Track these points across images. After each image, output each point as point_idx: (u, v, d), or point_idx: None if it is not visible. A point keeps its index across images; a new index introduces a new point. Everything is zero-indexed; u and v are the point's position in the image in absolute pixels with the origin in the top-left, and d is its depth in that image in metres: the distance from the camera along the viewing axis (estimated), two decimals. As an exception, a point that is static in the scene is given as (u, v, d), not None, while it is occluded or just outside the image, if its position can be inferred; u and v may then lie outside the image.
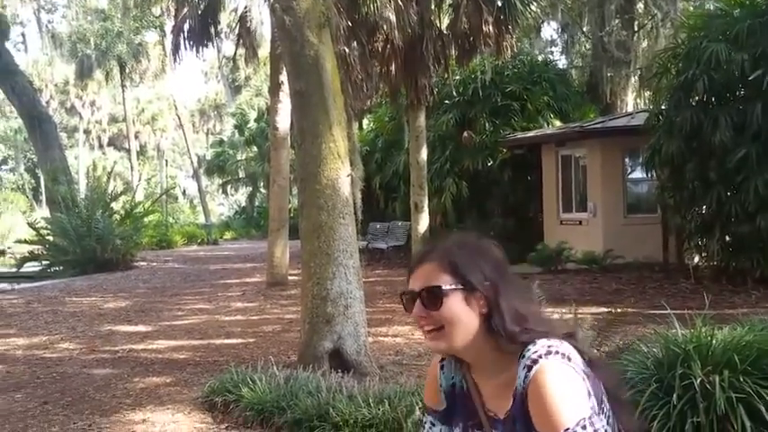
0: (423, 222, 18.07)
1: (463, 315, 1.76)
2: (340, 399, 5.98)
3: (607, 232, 16.30)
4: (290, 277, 16.06)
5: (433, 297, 1.77)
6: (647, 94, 27.20)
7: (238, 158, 40.37)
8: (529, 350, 1.72)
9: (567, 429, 1.64)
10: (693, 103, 13.21)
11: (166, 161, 64.66)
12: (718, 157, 12.41)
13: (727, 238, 13.04)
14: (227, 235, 37.55)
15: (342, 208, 8.01)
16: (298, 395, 6.24)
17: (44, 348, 10.55)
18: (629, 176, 17.37)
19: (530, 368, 1.70)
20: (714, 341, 5.02)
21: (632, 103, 25.31)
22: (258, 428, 6.24)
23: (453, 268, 1.79)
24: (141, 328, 11.96)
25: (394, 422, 5.50)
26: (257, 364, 7.35)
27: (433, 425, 2.02)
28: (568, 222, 17.76)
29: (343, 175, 8.06)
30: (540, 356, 1.70)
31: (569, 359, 1.71)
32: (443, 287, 1.77)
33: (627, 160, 17.35)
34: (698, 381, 4.65)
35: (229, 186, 43.54)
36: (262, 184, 39.43)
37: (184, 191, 62.60)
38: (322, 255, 7.97)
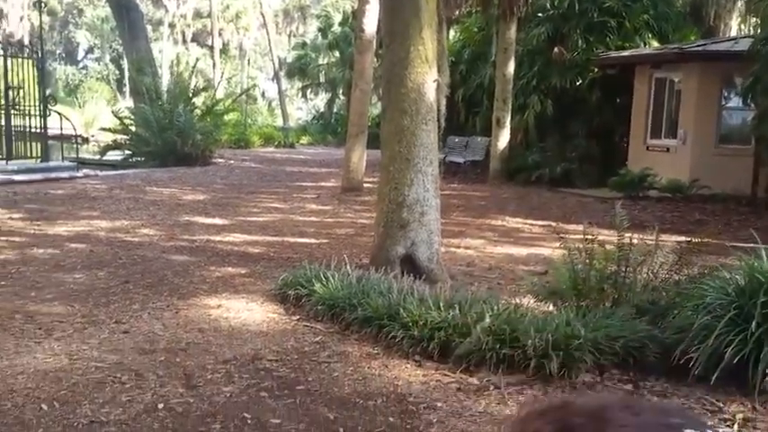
0: (503, 138, 17.87)
1: None
2: (411, 301, 6.05)
3: (695, 161, 15.82)
4: (365, 184, 16.14)
5: None
6: (754, 19, 26.02)
7: (320, 62, 40.18)
8: None
9: None
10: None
11: (248, 61, 64.85)
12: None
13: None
14: (304, 139, 37.73)
15: (425, 113, 7.93)
16: (369, 294, 6.33)
17: (125, 232, 10.90)
18: (725, 105, 16.73)
19: None
20: (799, 272, 4.92)
21: (736, 27, 24.19)
22: (329, 323, 6.37)
23: None
24: (218, 221, 12.23)
25: (463, 327, 5.54)
26: (330, 263, 7.47)
27: None
28: (655, 149, 17.28)
29: (429, 80, 7.95)
30: None
31: None
32: None
33: (724, 87, 16.67)
34: (779, 309, 4.58)
35: (309, 91, 43.47)
36: (341, 90, 39.27)
37: (263, 93, 62.82)
38: (402, 159, 7.95)
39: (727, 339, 4.53)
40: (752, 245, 5.69)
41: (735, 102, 16.45)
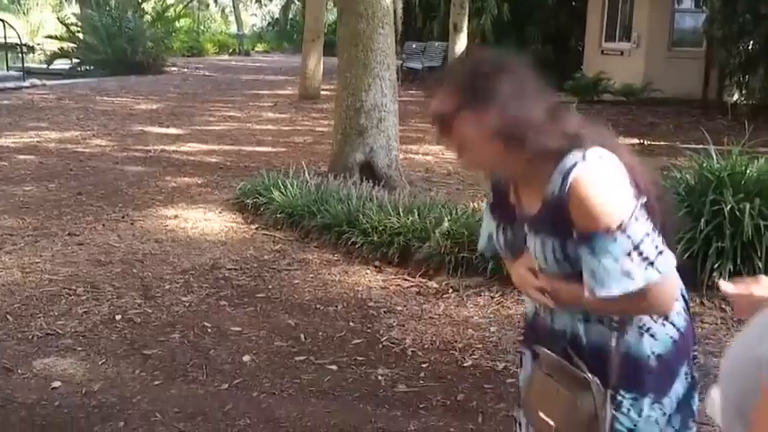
0: (460, 44, 17.62)
1: (475, 135, 1.68)
2: (370, 207, 6.02)
3: (649, 64, 15.82)
4: (322, 91, 15.90)
5: (443, 122, 1.69)
6: None
7: (273, -33, 39.13)
8: (566, 158, 1.67)
9: (612, 228, 1.61)
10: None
11: (199, -35, 62.85)
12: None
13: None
14: (259, 47, 37.05)
15: (382, 17, 7.75)
16: (328, 201, 6.29)
17: (76, 143, 10.65)
18: (678, 7, 16.67)
19: (567, 174, 1.65)
20: (748, 171, 4.98)
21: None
22: (288, 231, 6.33)
23: (461, 90, 1.69)
24: (172, 130, 12.00)
25: (422, 232, 5.55)
26: (288, 171, 7.39)
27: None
28: (610, 52, 17.25)
29: (384, -18, 7.75)
30: (577, 161, 1.65)
31: (601, 157, 1.67)
32: (451, 111, 1.68)
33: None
34: (728, 207, 4.64)
35: (263, -4, 42.51)
36: (296, -5, 38.41)
37: (216, -1, 61.13)
38: (359, 65, 7.79)
39: (677, 237, 4.59)
40: (702, 146, 5.73)
41: (687, 4, 16.40)
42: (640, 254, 1.63)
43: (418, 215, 5.74)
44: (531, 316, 1.98)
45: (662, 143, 10.50)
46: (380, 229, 5.67)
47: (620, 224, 1.61)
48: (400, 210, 5.88)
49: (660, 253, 1.65)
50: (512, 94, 1.67)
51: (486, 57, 1.80)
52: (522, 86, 1.70)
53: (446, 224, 5.46)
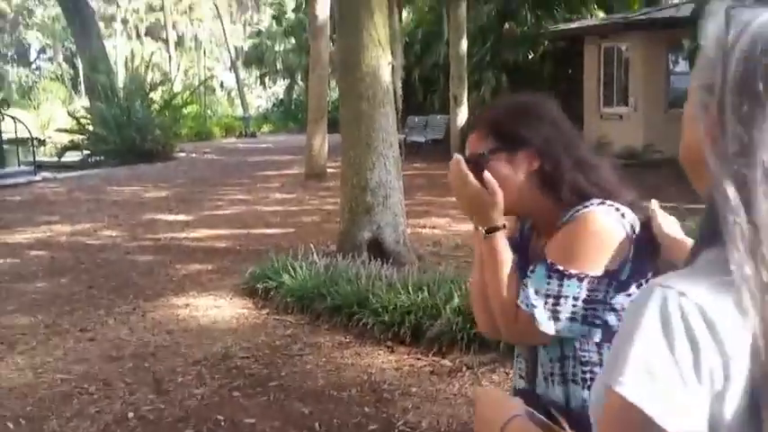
0: (461, 115, 17.86)
1: (508, 176, 1.71)
2: (379, 286, 6.03)
3: (648, 126, 15.98)
4: (328, 169, 16.04)
5: (477, 164, 1.72)
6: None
7: (276, 50, 39.86)
8: (589, 202, 1.69)
9: (561, 270, 1.62)
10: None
11: (204, 52, 64.18)
12: None
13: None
14: (265, 128, 37.48)
15: (382, 97, 7.89)
16: (338, 282, 6.30)
17: (87, 235, 10.73)
18: (673, 69, 16.91)
19: (577, 211, 1.67)
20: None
21: (678, -7, 24.43)
22: (299, 314, 6.33)
23: (495, 131, 1.74)
24: (182, 216, 12.09)
25: (432, 309, 5.54)
26: (297, 253, 7.41)
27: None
28: (609, 117, 17.45)
29: (383, 64, 7.91)
30: (593, 204, 1.67)
31: (623, 216, 1.66)
32: (484, 152, 1.72)
33: (671, 52, 16.86)
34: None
35: (267, 78, 43.17)
36: (300, 76, 39.01)
37: (222, 83, 62.17)
38: (362, 144, 7.90)
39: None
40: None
41: (682, 66, 16.64)
42: (556, 304, 1.63)
43: (428, 292, 5.73)
44: (517, 387, 1.97)
45: (667, 204, 10.50)
46: (391, 308, 5.67)
47: (580, 274, 1.61)
48: (410, 287, 5.88)
49: (569, 319, 1.64)
50: (548, 137, 1.71)
51: (523, 100, 1.87)
52: (559, 131, 1.75)
53: (456, 300, 5.45)
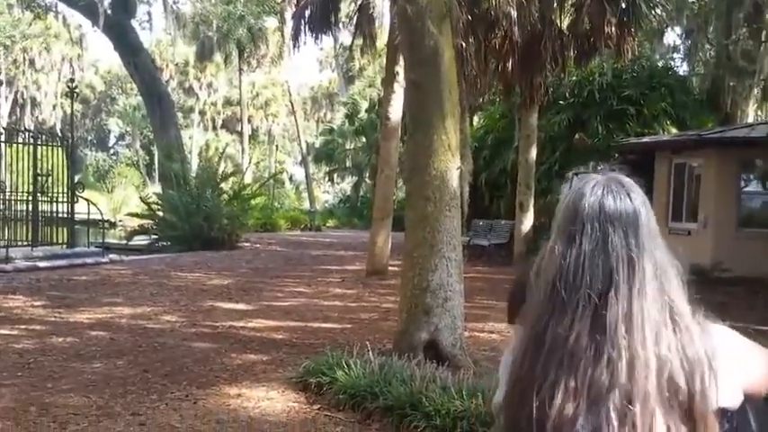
0: (527, 222, 17.84)
1: None
2: (433, 389, 5.91)
3: (717, 244, 15.70)
4: (390, 267, 16.06)
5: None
6: (770, 106, 26.18)
7: (347, 148, 40.70)
8: None
9: None
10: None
11: (277, 146, 65.87)
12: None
13: None
14: (330, 222, 37.95)
15: (449, 200, 7.93)
16: (391, 382, 6.21)
17: (147, 319, 10.85)
18: (744, 189, 16.70)
19: None
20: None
21: (753, 114, 24.36)
22: (350, 412, 6.23)
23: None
24: (242, 306, 12.17)
25: (486, 416, 5.39)
26: (353, 349, 7.35)
27: None
28: (677, 231, 17.19)
29: (452, 168, 7.97)
30: None
31: None
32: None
33: (743, 172, 16.69)
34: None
35: (335, 175, 44.00)
36: (367, 174, 39.66)
37: (291, 176, 63.58)
38: (426, 245, 7.91)
39: None
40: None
41: (754, 186, 16.43)
42: None
43: (482, 398, 5.59)
44: None
45: (738, 324, 10.18)
46: (443, 412, 5.54)
47: None
48: (464, 392, 5.75)
49: None
50: None
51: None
52: None
53: (511, 410, 5.30)
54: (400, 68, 15.20)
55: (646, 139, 18.42)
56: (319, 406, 6.48)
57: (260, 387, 7.11)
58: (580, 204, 1.54)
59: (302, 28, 16.73)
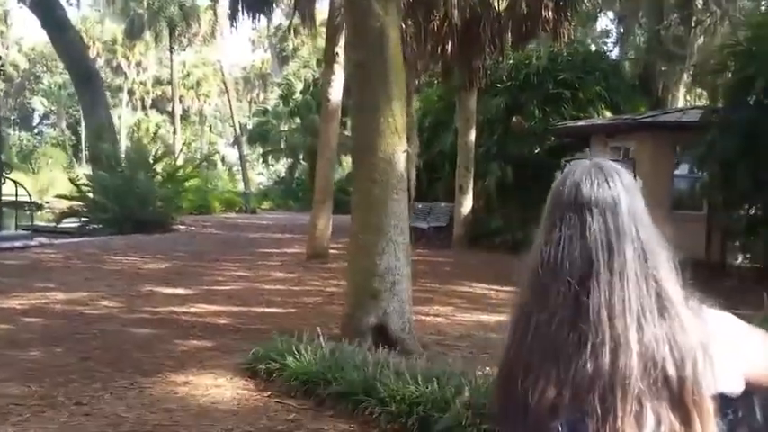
0: (466, 204, 17.94)
1: None
2: (387, 374, 5.87)
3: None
4: (330, 251, 15.99)
5: None
6: (699, 91, 26.86)
7: (281, 129, 40.34)
8: None
9: None
10: (751, 102, 12.93)
11: (210, 127, 64.95)
12: (772, 158, 12.16)
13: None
14: (265, 204, 37.66)
15: (396, 183, 7.89)
16: (344, 368, 6.14)
17: (83, 305, 10.55)
18: (676, 173, 17.11)
19: None
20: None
21: (683, 99, 24.94)
22: (302, 399, 6.15)
23: None
24: (181, 290, 11.95)
25: (441, 401, 5.37)
26: (301, 335, 7.25)
27: None
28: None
29: (399, 151, 7.92)
30: None
31: None
32: None
33: (676, 156, 17.07)
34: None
35: (270, 156, 43.58)
36: (302, 156, 39.44)
37: (224, 158, 62.73)
38: (372, 229, 7.86)
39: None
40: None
41: (683, 169, 16.86)
42: None
43: (437, 384, 5.58)
44: None
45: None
46: (399, 398, 5.50)
47: None
48: (419, 377, 5.72)
49: None
50: None
51: None
52: None
53: (466, 393, 5.30)
54: (340, 49, 15.09)
55: (581, 123, 18.69)
56: (270, 393, 6.38)
57: (207, 374, 6.96)
58: (562, 191, 1.55)
59: (239, 6, 16.41)
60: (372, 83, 8.02)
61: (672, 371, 1.42)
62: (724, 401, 1.54)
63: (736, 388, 1.54)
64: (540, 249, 1.52)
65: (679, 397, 1.42)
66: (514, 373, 1.49)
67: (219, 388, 6.54)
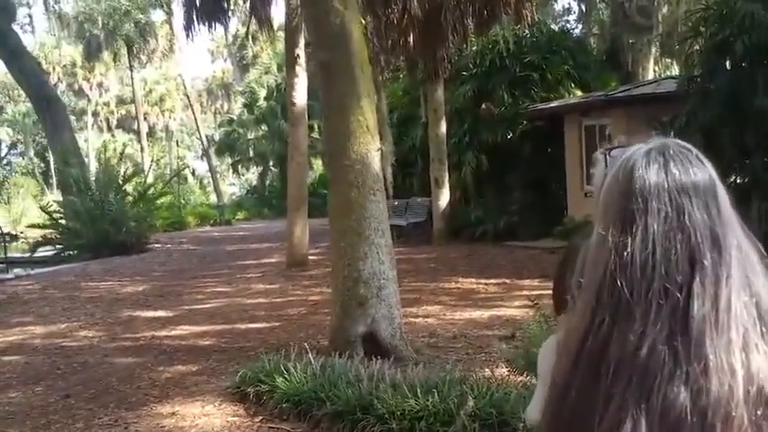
0: (443, 197, 17.70)
1: None
2: (383, 388, 5.58)
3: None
4: (310, 257, 15.67)
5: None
6: (668, 61, 26.78)
7: (248, 137, 39.85)
8: None
9: None
10: (729, 67, 12.70)
11: (177, 142, 64.29)
12: (757, 123, 11.91)
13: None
14: (240, 215, 37.18)
15: (372, 184, 7.62)
16: (337, 385, 5.85)
17: (63, 337, 10.20)
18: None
19: None
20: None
21: (652, 70, 24.85)
22: (296, 422, 5.85)
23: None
24: (161, 313, 11.60)
25: (445, 414, 5.10)
26: (289, 351, 6.94)
27: None
28: (593, 194, 17.34)
29: (372, 150, 7.65)
30: None
31: None
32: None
33: (653, 129, 16.89)
34: None
35: (240, 166, 43.02)
36: (272, 162, 39.01)
37: (194, 171, 62.01)
38: (353, 234, 7.57)
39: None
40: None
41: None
42: None
43: (438, 395, 5.30)
44: None
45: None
46: (398, 413, 5.22)
47: None
48: (417, 389, 5.44)
49: None
50: None
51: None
52: None
53: (471, 403, 5.03)
54: (301, 51, 14.79)
55: (554, 104, 18.44)
56: (261, 417, 6.08)
57: (194, 402, 6.65)
58: (635, 178, 1.18)
59: (194, 17, 16.02)
60: (338, 81, 7.75)
61: None
62: None
63: None
64: (614, 254, 1.16)
65: None
66: (584, 416, 1.12)
67: (208, 417, 6.24)
